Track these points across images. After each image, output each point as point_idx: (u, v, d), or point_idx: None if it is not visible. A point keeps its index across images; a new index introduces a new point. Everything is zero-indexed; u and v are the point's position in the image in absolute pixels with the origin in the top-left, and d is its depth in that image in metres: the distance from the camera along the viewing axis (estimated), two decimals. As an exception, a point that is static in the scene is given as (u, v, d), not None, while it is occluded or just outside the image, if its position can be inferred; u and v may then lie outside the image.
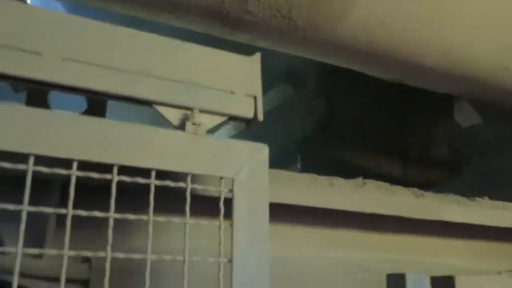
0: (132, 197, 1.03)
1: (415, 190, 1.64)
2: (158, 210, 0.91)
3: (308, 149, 2.93)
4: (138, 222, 1.10)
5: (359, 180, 1.56)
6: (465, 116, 3.11)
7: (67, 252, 0.80)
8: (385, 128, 2.79)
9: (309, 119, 2.91)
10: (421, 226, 1.64)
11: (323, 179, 1.49)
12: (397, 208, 1.53)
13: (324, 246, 1.49)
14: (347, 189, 1.48)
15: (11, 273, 0.82)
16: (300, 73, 3.02)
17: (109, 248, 0.83)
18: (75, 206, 0.81)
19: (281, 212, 1.38)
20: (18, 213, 0.77)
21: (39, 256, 1.02)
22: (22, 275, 0.80)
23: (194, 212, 0.94)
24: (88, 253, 0.82)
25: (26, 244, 0.77)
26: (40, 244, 1.03)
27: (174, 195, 1.01)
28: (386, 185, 1.61)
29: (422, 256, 1.65)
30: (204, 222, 1.09)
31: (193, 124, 0.97)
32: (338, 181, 1.50)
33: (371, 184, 1.57)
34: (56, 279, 0.84)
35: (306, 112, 2.94)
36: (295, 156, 2.99)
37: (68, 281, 0.89)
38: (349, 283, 1.42)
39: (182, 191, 0.94)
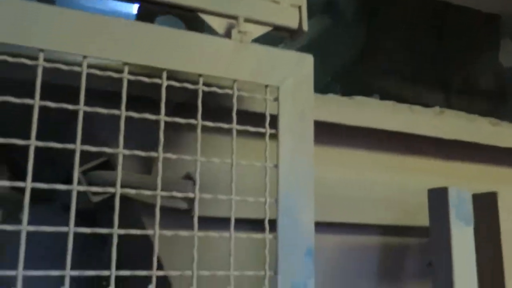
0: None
1: (491, 118, 1.63)
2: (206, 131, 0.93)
3: (347, 80, 2.88)
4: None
5: (437, 108, 1.55)
6: (509, 56, 2.99)
7: (121, 151, 0.83)
8: (426, 57, 2.72)
9: (348, 49, 2.84)
10: (493, 154, 1.63)
11: (403, 106, 1.49)
12: (476, 135, 1.53)
13: (393, 171, 1.49)
14: (427, 116, 1.49)
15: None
16: (337, 2, 2.93)
17: (160, 148, 0.86)
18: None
19: (357, 136, 1.41)
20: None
21: (148, 172, 1.09)
22: (132, 187, 0.85)
23: (240, 132, 0.95)
24: (141, 153, 0.86)
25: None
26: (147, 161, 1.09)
27: (222, 110, 1.02)
28: (462, 113, 1.61)
29: (491, 185, 1.64)
30: (251, 141, 1.11)
31: (239, 32, 0.97)
32: (417, 108, 1.50)
33: (449, 112, 1.57)
34: None
35: (345, 42, 2.87)
36: (334, 88, 2.96)
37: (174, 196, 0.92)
38: (415, 205, 1.43)
39: (229, 105, 0.95)
